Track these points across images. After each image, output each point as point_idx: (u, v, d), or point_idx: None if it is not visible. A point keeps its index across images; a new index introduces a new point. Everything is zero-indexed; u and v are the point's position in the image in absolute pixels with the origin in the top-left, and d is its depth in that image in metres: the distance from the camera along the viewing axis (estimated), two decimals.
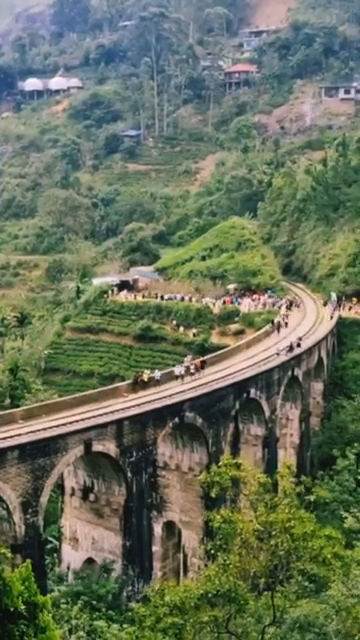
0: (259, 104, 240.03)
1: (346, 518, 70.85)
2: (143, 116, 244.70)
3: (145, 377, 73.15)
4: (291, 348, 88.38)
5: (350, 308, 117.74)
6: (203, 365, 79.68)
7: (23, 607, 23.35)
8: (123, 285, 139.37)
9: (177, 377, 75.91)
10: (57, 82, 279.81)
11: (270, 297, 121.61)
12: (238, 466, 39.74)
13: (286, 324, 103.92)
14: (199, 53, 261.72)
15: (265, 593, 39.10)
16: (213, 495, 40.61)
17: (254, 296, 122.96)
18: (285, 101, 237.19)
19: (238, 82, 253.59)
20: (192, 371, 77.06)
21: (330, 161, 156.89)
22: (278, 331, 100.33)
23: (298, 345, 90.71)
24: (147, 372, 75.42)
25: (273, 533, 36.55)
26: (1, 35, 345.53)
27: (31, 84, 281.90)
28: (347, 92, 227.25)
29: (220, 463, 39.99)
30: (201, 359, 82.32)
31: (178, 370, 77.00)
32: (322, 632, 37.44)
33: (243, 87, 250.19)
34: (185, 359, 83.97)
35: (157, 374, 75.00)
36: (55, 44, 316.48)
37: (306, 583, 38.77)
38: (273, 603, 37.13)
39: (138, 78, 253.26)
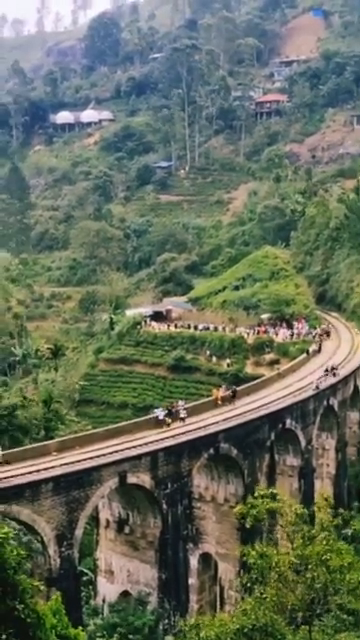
0: (290, 133, 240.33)
1: None
2: (175, 147, 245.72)
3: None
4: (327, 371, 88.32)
5: None
6: (234, 395, 79.22)
7: None
8: (156, 316, 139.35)
9: (160, 423, 69.76)
10: (88, 115, 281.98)
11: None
12: (274, 497, 39.32)
13: (319, 350, 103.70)
14: (230, 84, 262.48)
15: (302, 627, 38.48)
16: (247, 526, 40.15)
17: (295, 324, 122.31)
18: (317, 130, 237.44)
19: (269, 112, 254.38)
20: (182, 415, 70.64)
21: None
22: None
23: (334, 374, 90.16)
24: (181, 403, 74.75)
25: (309, 566, 36.06)
26: (33, 69, 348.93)
27: (63, 117, 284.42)
28: None
29: (255, 494, 39.56)
30: (232, 389, 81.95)
31: (161, 414, 70.92)
32: None
33: (274, 117, 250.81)
34: (179, 402, 75.28)
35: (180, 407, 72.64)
36: (86, 77, 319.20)
37: (345, 616, 38.12)
38: (311, 637, 36.56)
39: (169, 109, 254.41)
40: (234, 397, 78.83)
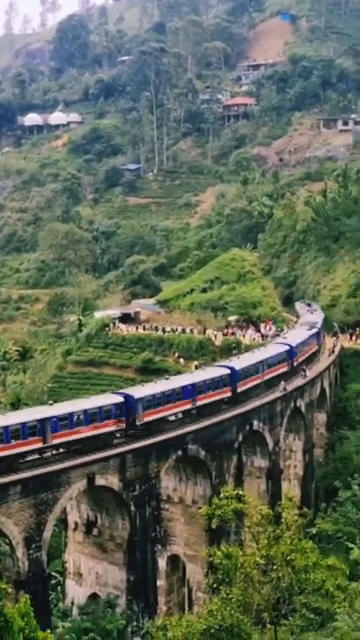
0: (258, 136, 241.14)
1: (352, 549, 70.48)
2: (143, 150, 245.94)
3: None
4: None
5: (352, 338, 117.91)
6: None
7: None
8: (125, 318, 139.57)
9: None
10: (57, 117, 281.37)
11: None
12: (239, 498, 39.66)
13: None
14: (198, 87, 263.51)
15: (269, 627, 38.82)
16: (213, 526, 40.52)
17: (262, 325, 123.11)
18: (284, 133, 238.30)
19: (237, 115, 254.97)
20: None
21: (330, 192, 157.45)
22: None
23: (303, 376, 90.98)
24: None
25: (275, 566, 36.44)
26: (1, 71, 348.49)
27: (31, 119, 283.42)
28: (345, 124, 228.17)
29: (221, 495, 39.91)
30: None
31: None
32: None
33: (242, 120, 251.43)
34: None
35: None
36: (55, 79, 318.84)
37: (311, 616, 38.48)
38: (276, 637, 36.93)
39: (137, 112, 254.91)
40: None
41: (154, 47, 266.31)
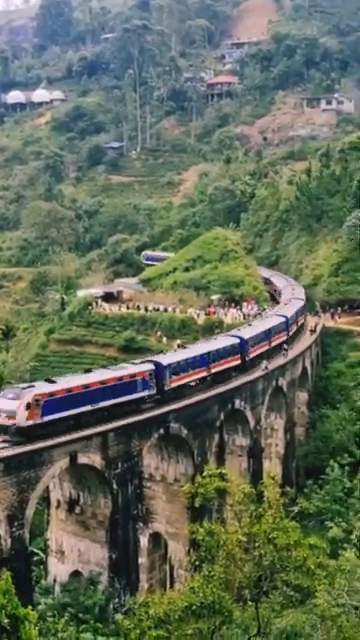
0: (241, 115, 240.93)
1: (331, 528, 71.10)
2: (126, 128, 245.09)
3: None
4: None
5: (334, 317, 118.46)
6: None
7: (6, 620, 23.42)
8: (107, 296, 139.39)
9: None
10: (40, 95, 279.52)
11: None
12: (222, 476, 39.81)
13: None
14: (181, 65, 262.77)
15: (250, 603, 39.09)
16: (196, 505, 40.69)
17: (244, 304, 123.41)
18: (267, 112, 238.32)
19: (220, 93, 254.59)
20: None
21: (313, 171, 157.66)
22: None
23: (284, 354, 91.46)
24: None
25: (257, 544, 36.64)
26: None
27: (14, 97, 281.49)
28: (329, 103, 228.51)
29: (204, 474, 40.04)
30: None
31: None
32: None
33: (225, 98, 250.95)
34: None
35: None
36: (38, 57, 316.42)
37: (292, 593, 38.75)
38: (258, 614, 37.18)
39: (121, 90, 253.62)
40: None
41: (138, 25, 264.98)
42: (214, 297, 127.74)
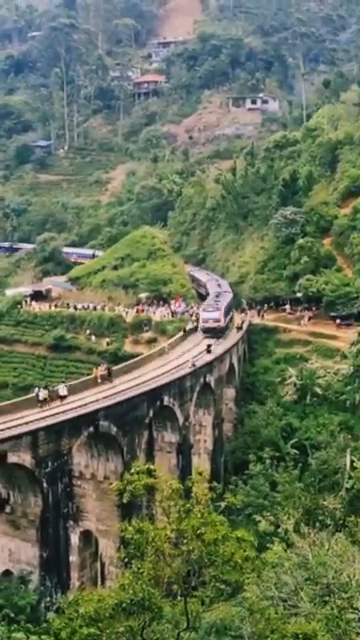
0: (168, 114, 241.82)
1: (259, 522, 71.90)
2: (53, 126, 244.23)
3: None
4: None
5: (260, 314, 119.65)
6: (110, 374, 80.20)
7: None
8: (36, 295, 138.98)
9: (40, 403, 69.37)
10: None
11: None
12: (150, 473, 40.14)
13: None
14: (108, 64, 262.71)
15: (179, 599, 39.51)
16: (125, 501, 40.97)
17: (172, 302, 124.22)
18: (193, 111, 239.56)
19: (147, 92, 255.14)
20: (62, 394, 71.37)
21: (239, 170, 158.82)
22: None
23: (208, 352, 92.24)
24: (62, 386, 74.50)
25: (185, 540, 37.05)
26: None
27: None
28: (254, 102, 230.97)
29: (132, 470, 40.36)
30: (108, 367, 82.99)
31: (41, 393, 70.56)
32: (238, 635, 38.01)
33: (152, 97, 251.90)
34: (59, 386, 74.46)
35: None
36: None
37: (222, 587, 39.23)
38: (186, 608, 37.60)
39: (48, 88, 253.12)
40: (110, 375, 79.79)
41: (64, 23, 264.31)
42: (142, 295, 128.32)
